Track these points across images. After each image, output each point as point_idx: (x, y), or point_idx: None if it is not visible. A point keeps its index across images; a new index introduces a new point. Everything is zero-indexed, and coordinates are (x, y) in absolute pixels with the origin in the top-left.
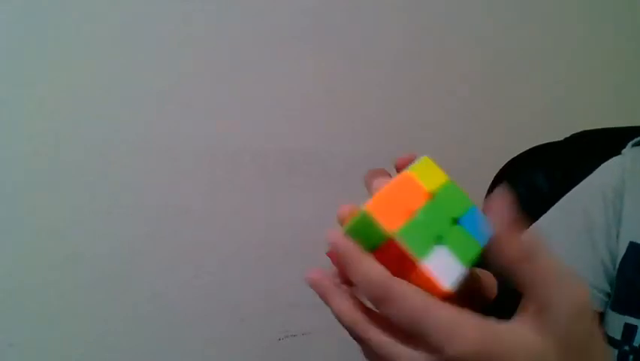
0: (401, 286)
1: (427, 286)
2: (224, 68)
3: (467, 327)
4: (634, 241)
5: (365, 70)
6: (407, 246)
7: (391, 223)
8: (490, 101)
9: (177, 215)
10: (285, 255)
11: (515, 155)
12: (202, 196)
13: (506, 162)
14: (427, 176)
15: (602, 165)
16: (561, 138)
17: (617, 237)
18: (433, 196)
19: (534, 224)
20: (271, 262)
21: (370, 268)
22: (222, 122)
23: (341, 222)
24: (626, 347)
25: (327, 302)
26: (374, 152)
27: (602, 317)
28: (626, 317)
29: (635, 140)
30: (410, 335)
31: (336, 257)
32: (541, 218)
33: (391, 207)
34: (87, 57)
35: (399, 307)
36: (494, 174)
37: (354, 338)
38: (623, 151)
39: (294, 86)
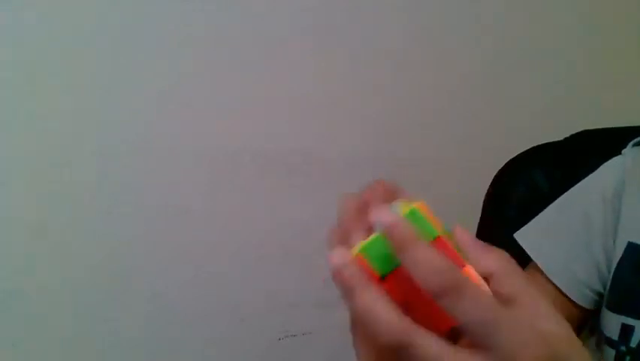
0: (473, 282)
1: None
2: (224, 68)
3: (537, 339)
4: (632, 241)
5: (365, 70)
6: (456, 246)
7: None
8: (490, 101)
9: (177, 215)
10: (285, 255)
11: (515, 155)
12: (202, 196)
13: (506, 162)
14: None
15: (603, 165)
16: (561, 138)
17: (615, 237)
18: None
19: (531, 222)
20: (271, 262)
21: (435, 254)
22: (222, 122)
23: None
24: (623, 348)
25: (355, 296)
26: (374, 152)
27: (593, 315)
28: (623, 317)
29: (636, 140)
30: (472, 333)
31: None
32: (539, 215)
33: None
34: (87, 57)
35: (473, 303)
36: (494, 174)
37: (385, 346)
38: (624, 151)
39: (294, 86)
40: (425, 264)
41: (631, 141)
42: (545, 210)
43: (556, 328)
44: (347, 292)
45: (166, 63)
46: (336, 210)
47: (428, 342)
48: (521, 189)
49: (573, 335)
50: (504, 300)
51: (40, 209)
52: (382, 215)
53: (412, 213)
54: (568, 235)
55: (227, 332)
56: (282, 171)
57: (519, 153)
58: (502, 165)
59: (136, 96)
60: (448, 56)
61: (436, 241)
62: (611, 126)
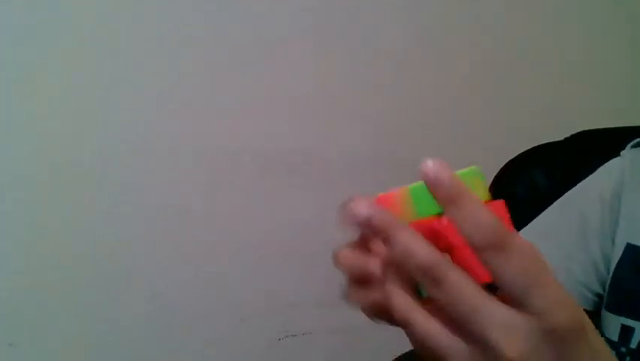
0: (519, 238)
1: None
2: (225, 68)
3: (570, 300)
4: (631, 242)
5: (365, 70)
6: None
7: None
8: (490, 101)
9: (177, 215)
10: (284, 255)
11: (515, 155)
12: (202, 196)
13: (506, 162)
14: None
15: (601, 167)
16: (561, 138)
17: (614, 238)
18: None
19: (531, 223)
20: (271, 262)
21: (485, 209)
22: (222, 122)
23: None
24: (623, 349)
25: (393, 237)
26: (374, 152)
27: (592, 316)
28: (622, 318)
29: (635, 141)
30: (511, 290)
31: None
32: (539, 217)
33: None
34: (87, 57)
35: (518, 260)
36: (494, 174)
37: (423, 276)
38: (622, 153)
39: (294, 86)
40: (475, 217)
41: (630, 142)
42: (544, 211)
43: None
44: (383, 236)
45: (166, 63)
46: (336, 210)
47: (465, 281)
48: (521, 189)
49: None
50: None
51: (40, 209)
52: (432, 166)
53: (468, 174)
54: (565, 235)
55: (227, 332)
56: (282, 171)
57: (519, 153)
58: (502, 165)
59: (136, 96)
60: (448, 56)
61: (486, 204)
62: (611, 126)
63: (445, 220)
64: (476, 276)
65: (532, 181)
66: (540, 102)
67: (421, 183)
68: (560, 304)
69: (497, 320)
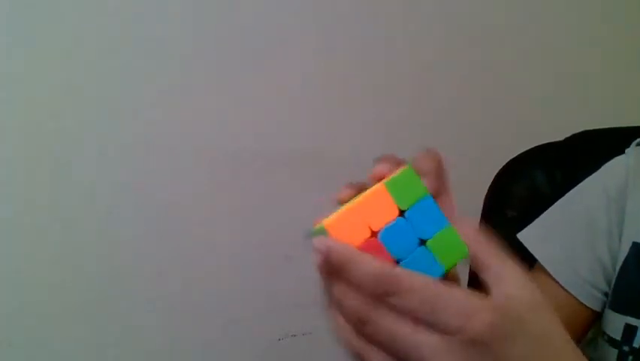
0: (409, 275)
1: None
2: (225, 68)
3: (482, 306)
4: (637, 241)
5: (365, 70)
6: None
7: (353, 240)
8: (490, 101)
9: (177, 215)
10: (285, 255)
11: (515, 155)
12: (202, 196)
13: (506, 162)
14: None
15: (606, 165)
16: (561, 138)
17: (620, 237)
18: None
19: (534, 222)
20: (271, 262)
21: (373, 262)
22: (222, 122)
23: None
24: (626, 348)
25: (346, 270)
26: (374, 152)
27: (600, 316)
28: (627, 317)
29: (639, 140)
30: (424, 322)
31: (326, 262)
32: (542, 216)
33: (353, 226)
34: (87, 57)
35: (412, 295)
36: (494, 174)
37: (360, 336)
38: (627, 150)
39: (294, 86)
40: (366, 272)
41: (632, 140)
42: (548, 210)
43: (518, 292)
44: (342, 266)
45: (166, 63)
46: (336, 209)
47: (392, 321)
48: (521, 190)
49: (538, 299)
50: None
51: (41, 209)
52: (317, 243)
53: (402, 177)
54: (571, 234)
55: (227, 332)
56: (282, 171)
57: (519, 153)
58: (502, 165)
59: (136, 96)
60: (448, 56)
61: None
62: (611, 126)
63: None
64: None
65: (532, 181)
66: (540, 102)
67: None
68: (470, 315)
69: (425, 349)
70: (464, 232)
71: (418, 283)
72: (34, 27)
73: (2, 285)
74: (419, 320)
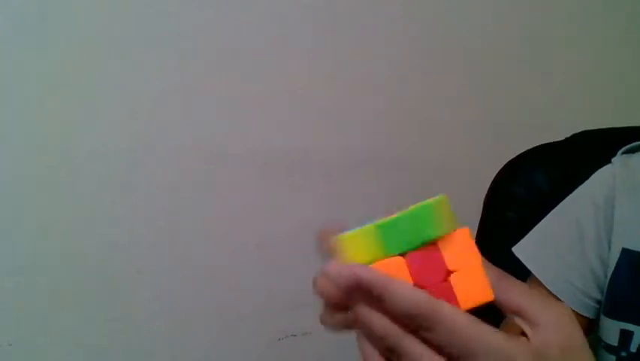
0: (448, 309)
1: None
2: (225, 68)
3: (516, 350)
4: (626, 247)
5: (365, 70)
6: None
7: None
8: (490, 101)
9: (177, 215)
10: (285, 255)
11: (515, 155)
12: (202, 196)
13: (506, 162)
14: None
15: (594, 175)
16: (561, 138)
17: (610, 244)
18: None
19: (528, 234)
20: (271, 262)
21: (411, 291)
22: (222, 122)
23: (323, 240)
24: (624, 353)
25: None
26: (374, 152)
27: (593, 323)
28: (621, 323)
29: (625, 147)
30: (455, 358)
31: (356, 287)
32: (537, 226)
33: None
34: (87, 57)
35: (449, 332)
36: (494, 174)
37: (383, 349)
38: (613, 159)
39: (294, 86)
40: (403, 302)
41: (632, 140)
42: (541, 221)
43: (554, 336)
44: (376, 293)
45: (166, 63)
46: (336, 209)
47: (418, 348)
48: (521, 190)
49: (573, 342)
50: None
51: (41, 209)
52: (344, 269)
53: (436, 205)
54: (562, 245)
55: (227, 332)
56: (282, 171)
57: (519, 153)
58: (502, 165)
59: (136, 96)
60: (448, 55)
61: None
62: (611, 126)
63: (415, 257)
64: (458, 305)
65: (532, 181)
66: (540, 102)
67: (388, 219)
68: (504, 359)
69: None
70: (492, 274)
71: (456, 319)
72: (34, 27)
73: (2, 285)
74: (450, 356)
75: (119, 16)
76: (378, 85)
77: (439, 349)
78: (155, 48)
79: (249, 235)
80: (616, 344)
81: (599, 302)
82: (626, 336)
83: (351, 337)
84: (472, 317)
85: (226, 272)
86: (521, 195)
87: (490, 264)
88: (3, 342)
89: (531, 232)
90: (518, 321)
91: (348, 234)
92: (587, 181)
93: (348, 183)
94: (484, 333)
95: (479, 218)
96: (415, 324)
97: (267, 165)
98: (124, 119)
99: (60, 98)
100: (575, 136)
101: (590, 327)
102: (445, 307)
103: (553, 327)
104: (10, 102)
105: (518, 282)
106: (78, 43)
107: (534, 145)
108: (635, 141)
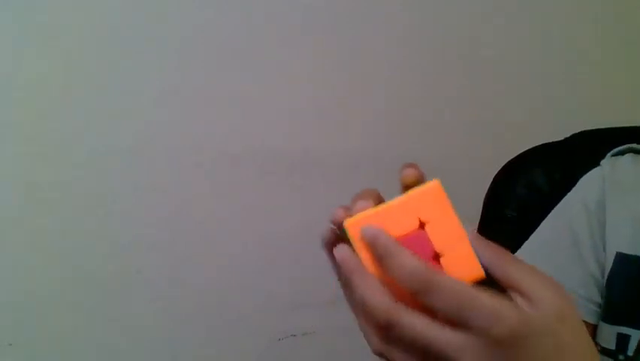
0: (442, 276)
1: (463, 270)
2: (225, 68)
3: (509, 311)
4: (620, 250)
5: (365, 70)
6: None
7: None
8: (489, 101)
9: (177, 215)
10: (285, 255)
11: (515, 155)
12: (202, 196)
13: (506, 162)
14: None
15: (582, 179)
16: (561, 138)
17: (604, 248)
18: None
19: (523, 245)
20: (271, 262)
21: (411, 259)
22: (222, 122)
23: (337, 225)
24: (621, 357)
25: (353, 283)
26: (374, 152)
27: (595, 328)
28: (618, 327)
29: (614, 150)
30: (451, 321)
31: (369, 250)
32: (533, 235)
33: (399, 217)
34: (87, 57)
35: (444, 295)
36: (494, 174)
37: (378, 325)
38: (602, 162)
39: (293, 86)
40: (402, 269)
41: (632, 140)
42: (537, 230)
43: (546, 301)
44: (346, 280)
45: (166, 63)
46: (336, 210)
47: (414, 320)
48: (521, 190)
49: (565, 310)
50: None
51: (41, 209)
52: (365, 231)
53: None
54: (559, 254)
55: (228, 332)
56: (282, 171)
57: (519, 153)
58: (502, 165)
59: (136, 96)
60: (447, 55)
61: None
62: (611, 126)
63: (427, 231)
64: (464, 277)
65: (532, 181)
66: (540, 102)
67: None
68: (496, 317)
69: (450, 346)
70: (482, 251)
71: (452, 284)
72: (34, 27)
73: (2, 285)
74: (446, 319)
75: (119, 17)
76: (378, 85)
77: (436, 313)
78: (155, 48)
79: (249, 235)
80: (613, 347)
81: (600, 306)
82: (623, 340)
83: (350, 337)
84: (466, 283)
85: (226, 272)
86: (521, 195)
87: (487, 241)
88: (3, 342)
89: (526, 244)
90: (514, 296)
91: (352, 218)
92: (576, 186)
93: (348, 183)
94: (476, 292)
95: (479, 218)
96: (414, 287)
97: (267, 165)
98: (124, 119)
99: (60, 98)
100: (574, 136)
101: (593, 334)
102: (440, 274)
103: (549, 301)
104: (10, 102)
105: (516, 258)
106: (78, 43)
107: (534, 145)
108: (634, 142)
